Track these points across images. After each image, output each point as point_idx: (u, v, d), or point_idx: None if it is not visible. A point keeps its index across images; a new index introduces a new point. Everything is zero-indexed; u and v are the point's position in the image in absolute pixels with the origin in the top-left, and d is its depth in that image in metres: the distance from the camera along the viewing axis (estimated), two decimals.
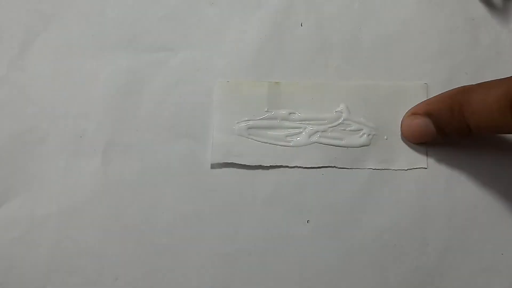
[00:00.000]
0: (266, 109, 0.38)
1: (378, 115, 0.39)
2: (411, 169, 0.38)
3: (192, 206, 0.38)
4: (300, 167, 0.38)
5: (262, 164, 0.38)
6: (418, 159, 0.39)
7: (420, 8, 0.40)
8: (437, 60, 0.40)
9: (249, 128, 0.38)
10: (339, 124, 0.39)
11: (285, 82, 0.39)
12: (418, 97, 0.39)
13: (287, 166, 0.39)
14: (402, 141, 0.39)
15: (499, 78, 0.33)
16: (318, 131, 0.38)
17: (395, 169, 0.38)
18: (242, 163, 0.38)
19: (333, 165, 0.38)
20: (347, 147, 0.38)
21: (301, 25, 0.40)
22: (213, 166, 0.38)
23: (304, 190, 0.38)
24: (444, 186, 0.38)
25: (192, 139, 0.39)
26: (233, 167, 0.39)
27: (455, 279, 0.37)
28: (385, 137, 0.39)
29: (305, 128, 0.38)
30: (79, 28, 0.40)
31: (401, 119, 0.38)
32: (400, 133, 0.39)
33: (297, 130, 0.38)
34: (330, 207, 0.38)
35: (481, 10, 0.41)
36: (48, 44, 0.40)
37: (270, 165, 0.38)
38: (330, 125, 0.39)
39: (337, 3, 0.41)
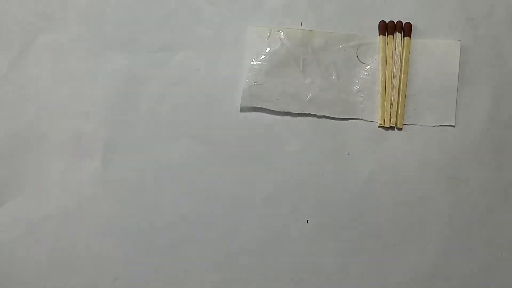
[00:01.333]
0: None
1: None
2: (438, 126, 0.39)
3: (191, 206, 0.38)
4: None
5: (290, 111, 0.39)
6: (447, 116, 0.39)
7: (420, 7, 0.40)
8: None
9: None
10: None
11: (318, 31, 0.40)
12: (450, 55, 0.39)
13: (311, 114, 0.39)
14: (430, 97, 0.39)
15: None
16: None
17: (423, 125, 0.39)
18: (270, 108, 0.39)
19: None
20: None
21: (301, 25, 0.40)
22: (242, 109, 0.39)
23: (304, 189, 0.38)
24: (445, 187, 0.39)
25: (192, 139, 0.39)
26: (232, 167, 0.39)
27: (454, 279, 0.37)
28: (414, 94, 0.40)
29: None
30: (79, 28, 0.40)
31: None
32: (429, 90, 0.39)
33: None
34: (330, 206, 0.38)
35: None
36: (47, 44, 0.40)
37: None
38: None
39: None
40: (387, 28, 0.39)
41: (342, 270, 0.38)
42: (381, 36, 0.40)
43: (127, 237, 0.38)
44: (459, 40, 0.39)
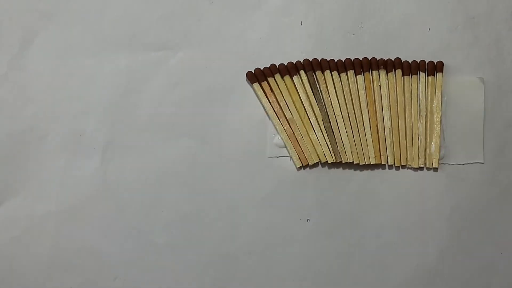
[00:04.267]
0: None
1: None
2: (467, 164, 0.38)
3: (191, 206, 0.38)
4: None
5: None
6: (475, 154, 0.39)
7: (421, 5, 0.40)
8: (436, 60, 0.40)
9: None
10: None
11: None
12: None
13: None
14: (457, 135, 0.39)
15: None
16: None
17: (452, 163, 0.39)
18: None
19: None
20: None
21: (301, 24, 0.40)
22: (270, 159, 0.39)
23: (304, 188, 0.38)
24: (445, 185, 0.38)
25: (192, 139, 0.39)
26: (231, 166, 0.39)
27: (455, 278, 0.37)
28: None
29: None
30: (78, 27, 0.40)
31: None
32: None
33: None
34: (331, 206, 0.38)
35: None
36: (47, 44, 0.40)
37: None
38: None
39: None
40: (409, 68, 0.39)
41: (342, 270, 0.38)
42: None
43: (127, 237, 0.38)
44: (482, 78, 0.39)
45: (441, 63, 0.39)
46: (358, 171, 0.39)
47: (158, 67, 0.39)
